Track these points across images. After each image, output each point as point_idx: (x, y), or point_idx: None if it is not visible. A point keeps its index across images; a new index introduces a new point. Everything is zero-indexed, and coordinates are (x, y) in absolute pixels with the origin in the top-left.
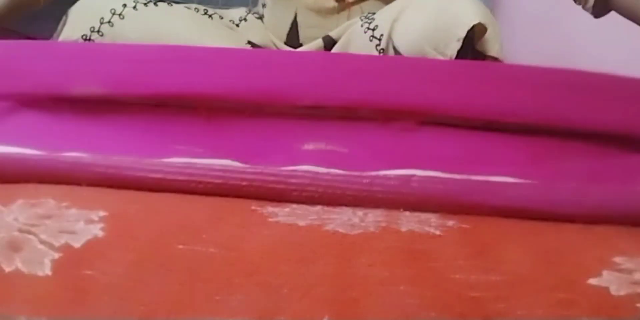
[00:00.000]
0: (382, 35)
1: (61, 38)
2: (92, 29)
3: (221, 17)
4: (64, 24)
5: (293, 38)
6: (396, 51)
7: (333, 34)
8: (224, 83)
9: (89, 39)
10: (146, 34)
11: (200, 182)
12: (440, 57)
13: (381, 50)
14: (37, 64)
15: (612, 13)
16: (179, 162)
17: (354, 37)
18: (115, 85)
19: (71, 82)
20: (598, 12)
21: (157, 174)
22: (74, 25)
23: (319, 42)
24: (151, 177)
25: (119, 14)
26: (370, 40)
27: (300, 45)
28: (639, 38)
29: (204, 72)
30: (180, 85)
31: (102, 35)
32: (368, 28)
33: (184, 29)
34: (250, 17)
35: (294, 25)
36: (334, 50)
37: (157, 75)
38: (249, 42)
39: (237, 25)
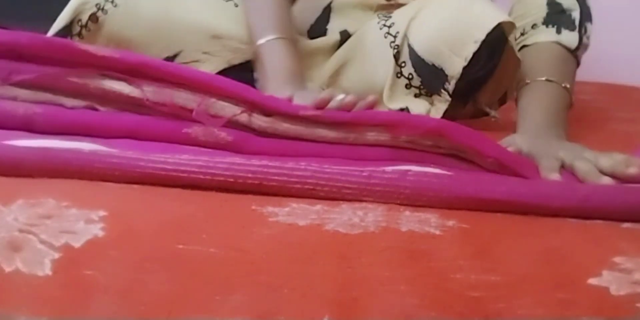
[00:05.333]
0: (397, 32)
1: (75, 5)
2: None
3: (236, 5)
4: None
5: (320, 27)
6: (411, 49)
7: (350, 28)
8: None
9: (102, 8)
10: (160, 10)
11: (207, 174)
12: (456, 58)
13: (395, 47)
14: None
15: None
16: (188, 157)
17: (368, 33)
18: None
19: None
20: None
21: (168, 165)
22: None
23: (335, 36)
24: (161, 168)
25: None
26: (385, 37)
27: (324, 34)
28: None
29: None
30: None
31: (115, 5)
32: (384, 25)
33: (198, 9)
34: None
35: (326, 13)
36: (347, 44)
37: None
38: None
39: None
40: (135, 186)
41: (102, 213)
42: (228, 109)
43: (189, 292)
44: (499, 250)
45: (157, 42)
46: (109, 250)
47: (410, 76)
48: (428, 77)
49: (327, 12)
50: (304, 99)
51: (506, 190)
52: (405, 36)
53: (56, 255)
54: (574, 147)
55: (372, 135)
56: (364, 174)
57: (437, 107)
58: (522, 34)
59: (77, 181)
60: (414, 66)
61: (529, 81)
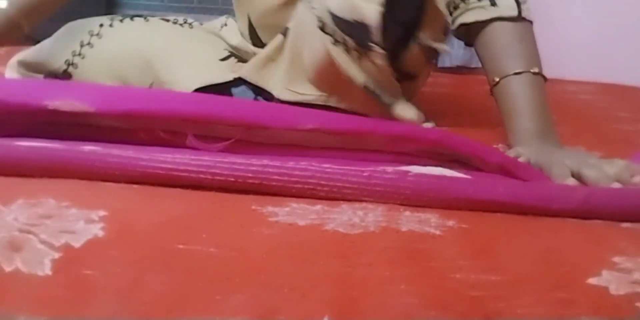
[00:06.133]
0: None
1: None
2: (73, 53)
3: (201, 23)
4: (49, 53)
5: (255, 39)
6: (331, 14)
7: (289, 24)
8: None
9: (72, 63)
10: (126, 49)
11: (207, 174)
12: (371, 5)
13: (319, 18)
14: None
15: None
16: (189, 156)
17: (299, 17)
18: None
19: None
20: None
21: (168, 164)
22: (56, 53)
23: (279, 38)
24: (161, 167)
25: (97, 34)
26: (313, 13)
27: (264, 45)
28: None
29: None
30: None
31: (83, 57)
32: (308, 2)
33: (162, 39)
34: (230, 21)
35: (251, 27)
36: (288, 37)
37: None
38: (228, 47)
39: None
40: (135, 186)
41: (102, 213)
42: (224, 132)
43: (189, 292)
44: (499, 250)
45: (129, 80)
46: (109, 250)
47: (342, 40)
48: (357, 36)
49: (252, 29)
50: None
51: (505, 192)
52: (323, 5)
53: (56, 255)
54: (577, 154)
55: (373, 145)
56: (365, 174)
57: (379, 65)
58: (454, 8)
59: (77, 181)
60: (340, 30)
61: (497, 79)
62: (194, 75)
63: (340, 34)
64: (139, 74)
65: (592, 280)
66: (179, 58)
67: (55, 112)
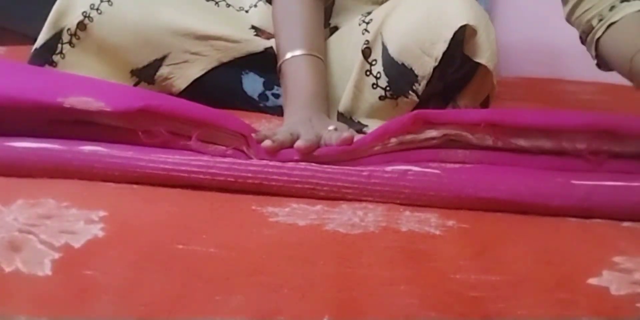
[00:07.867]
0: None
1: (57, 14)
2: (92, 6)
3: (228, 5)
4: (68, 2)
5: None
6: (384, 47)
7: (341, 26)
8: None
9: (89, 16)
10: (143, 15)
11: (207, 174)
12: (427, 58)
13: (366, 42)
14: None
15: None
16: (188, 157)
17: (349, 29)
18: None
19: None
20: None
21: (167, 165)
22: (75, 3)
23: (325, 33)
24: (161, 168)
25: None
26: (363, 34)
27: (328, 25)
28: None
29: None
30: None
31: (101, 13)
32: (364, 21)
33: (181, 12)
34: (260, 3)
35: (329, 9)
36: (330, 39)
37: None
38: (253, 27)
39: (247, 11)
40: (135, 186)
41: (102, 213)
42: (228, 140)
43: (189, 292)
44: (499, 250)
45: (144, 46)
46: (109, 250)
47: (378, 75)
48: (396, 78)
49: (330, 4)
50: (308, 136)
51: (505, 189)
52: (379, 33)
53: (56, 256)
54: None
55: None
56: (364, 173)
57: (401, 108)
58: (600, 20)
59: (77, 181)
60: (383, 65)
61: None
62: (219, 48)
63: (379, 68)
64: (157, 41)
65: (592, 281)
66: (202, 29)
67: (70, 110)
